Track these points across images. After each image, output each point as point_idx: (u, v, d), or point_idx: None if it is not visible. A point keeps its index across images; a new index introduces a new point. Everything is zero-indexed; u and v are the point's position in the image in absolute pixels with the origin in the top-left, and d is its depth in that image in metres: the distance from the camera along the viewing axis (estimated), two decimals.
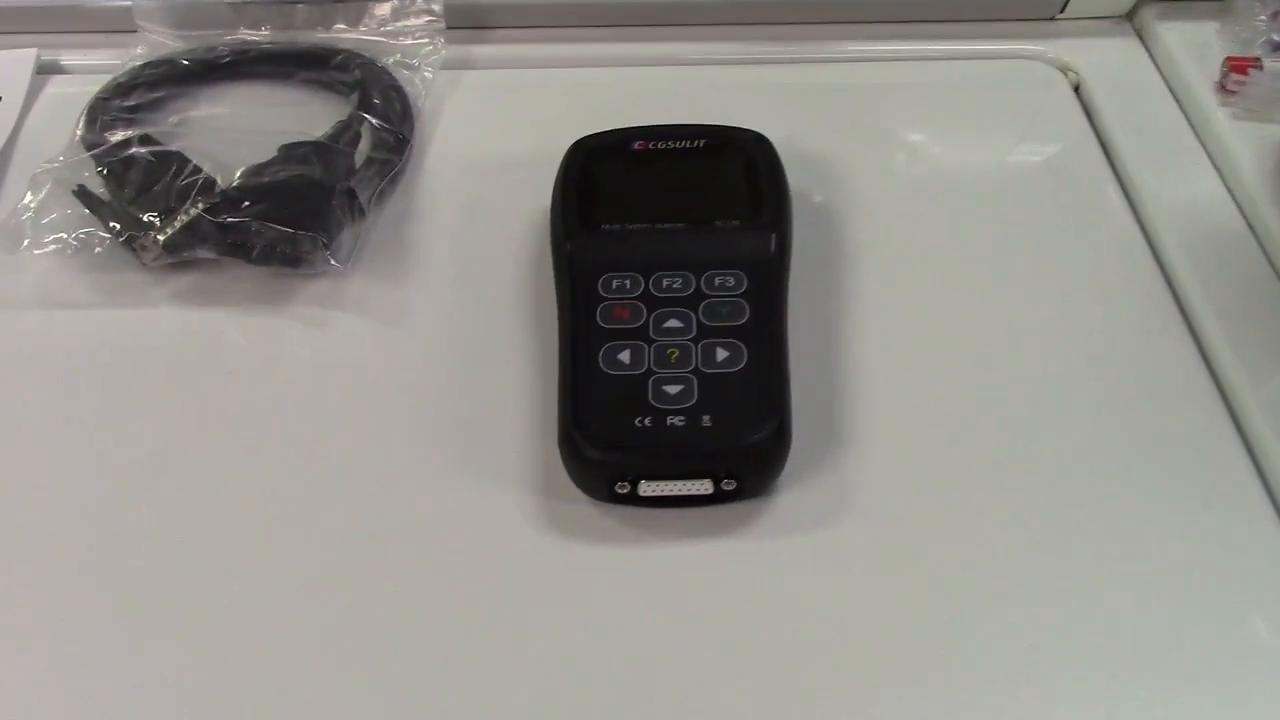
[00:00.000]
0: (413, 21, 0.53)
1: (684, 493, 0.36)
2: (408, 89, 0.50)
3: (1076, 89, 0.53)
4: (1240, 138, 0.48)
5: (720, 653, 0.34)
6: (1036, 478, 0.38)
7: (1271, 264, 0.44)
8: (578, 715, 0.33)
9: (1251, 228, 0.45)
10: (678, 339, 0.38)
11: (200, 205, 0.43)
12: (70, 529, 0.37)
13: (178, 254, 0.43)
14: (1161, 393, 0.40)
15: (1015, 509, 0.37)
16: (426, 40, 0.52)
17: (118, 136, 0.46)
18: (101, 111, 0.48)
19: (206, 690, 0.33)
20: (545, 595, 0.35)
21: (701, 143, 0.45)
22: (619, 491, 0.36)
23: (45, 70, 0.53)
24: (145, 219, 0.43)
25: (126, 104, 0.49)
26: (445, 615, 0.34)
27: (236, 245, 0.43)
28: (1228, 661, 0.33)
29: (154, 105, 0.50)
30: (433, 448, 0.38)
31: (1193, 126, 0.50)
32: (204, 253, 0.43)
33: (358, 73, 0.50)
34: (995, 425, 0.39)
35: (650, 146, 0.45)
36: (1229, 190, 0.47)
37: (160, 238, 0.42)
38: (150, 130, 0.47)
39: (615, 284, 0.39)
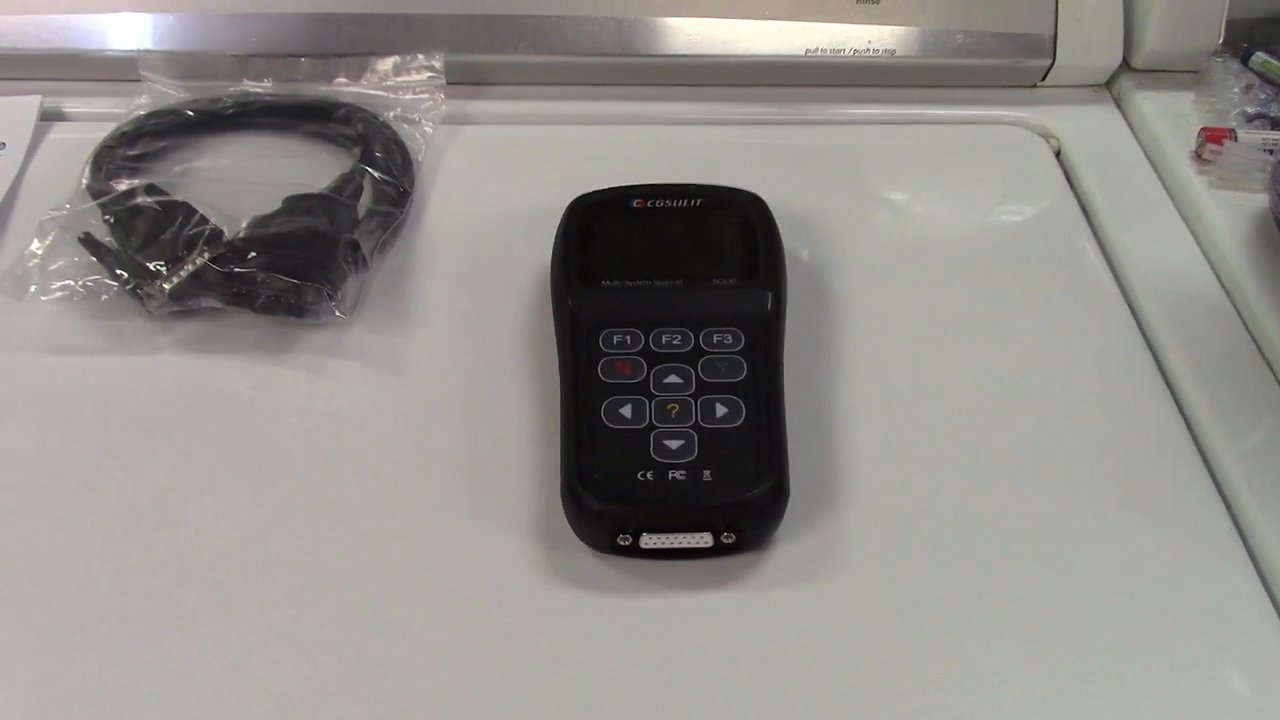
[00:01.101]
0: (414, 77, 0.54)
1: (684, 545, 0.36)
2: (408, 143, 0.51)
3: (1058, 154, 0.54)
4: (1216, 205, 0.49)
5: (719, 704, 0.34)
6: (1025, 532, 0.39)
7: (1246, 326, 0.46)
8: None
9: (1227, 291, 0.47)
10: (678, 394, 0.39)
11: (207, 255, 0.43)
12: (72, 575, 0.37)
13: (183, 302, 0.43)
14: (1142, 451, 0.42)
15: (1005, 562, 0.38)
16: (427, 95, 0.54)
17: (124, 185, 0.47)
18: (107, 160, 0.49)
19: None
20: (548, 644, 0.35)
21: (698, 202, 0.46)
22: (621, 543, 0.36)
23: (48, 117, 0.53)
24: (152, 267, 0.43)
25: (131, 153, 0.49)
26: (449, 665, 0.35)
27: (242, 294, 0.43)
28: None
29: (158, 155, 0.50)
30: (435, 497, 0.39)
31: (1169, 193, 0.52)
32: (209, 301, 0.44)
33: (360, 126, 0.51)
34: (982, 481, 0.40)
35: (648, 205, 0.46)
36: (1205, 255, 0.49)
37: (166, 286, 0.43)
38: (155, 180, 0.48)
39: (616, 339, 0.40)
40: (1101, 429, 0.42)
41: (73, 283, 0.44)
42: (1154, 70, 0.56)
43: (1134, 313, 0.46)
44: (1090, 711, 0.34)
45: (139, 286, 0.43)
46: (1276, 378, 0.44)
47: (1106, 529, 0.39)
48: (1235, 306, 0.47)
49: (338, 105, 0.52)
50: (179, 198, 0.47)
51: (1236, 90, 0.53)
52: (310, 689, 0.34)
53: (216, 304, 0.44)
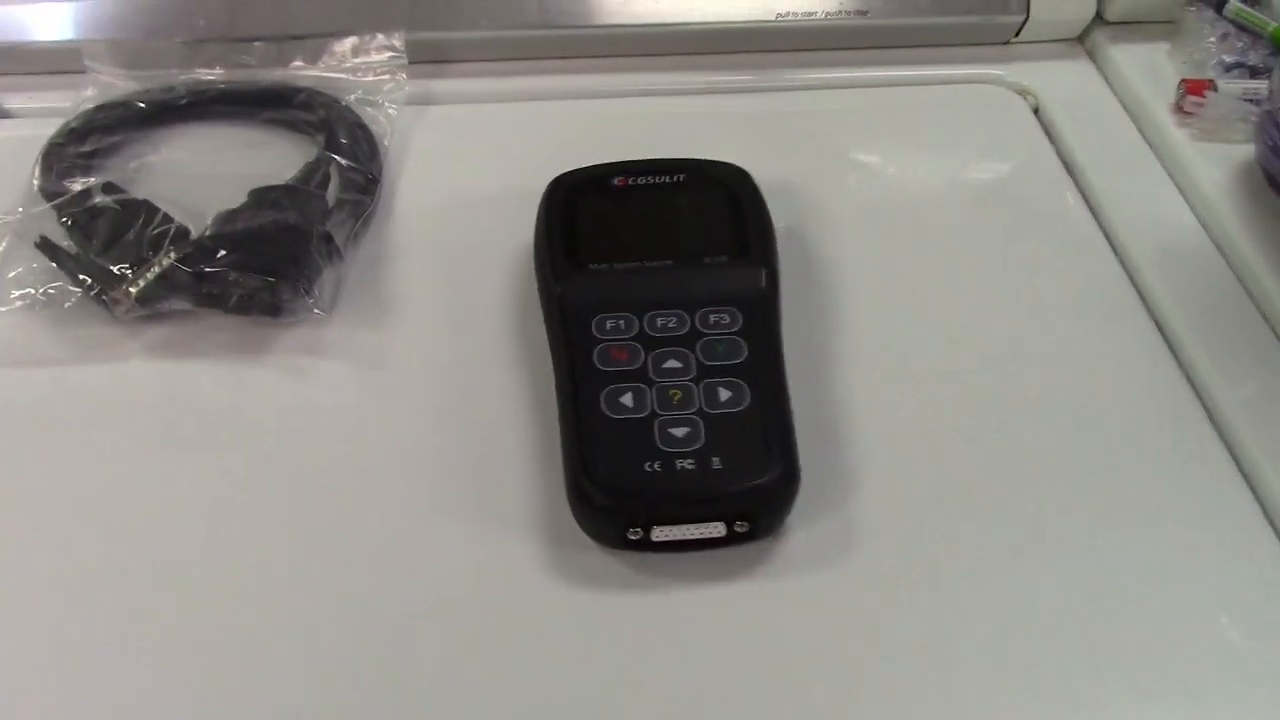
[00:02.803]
0: (374, 57, 0.52)
1: (697, 536, 0.35)
2: (372, 127, 0.50)
3: (1035, 111, 0.53)
4: (1200, 157, 0.49)
5: (741, 696, 0.33)
6: (1036, 497, 0.38)
7: (1238, 276, 0.45)
8: None
9: (1216, 243, 0.47)
10: (679, 380, 0.37)
11: (173, 255, 0.41)
12: (43, 596, 0.35)
13: (152, 306, 0.41)
14: (1147, 407, 0.41)
15: (1020, 531, 0.37)
16: (389, 76, 0.52)
17: (78, 185, 0.45)
18: (57, 158, 0.47)
19: None
20: (565, 647, 0.34)
21: (681, 177, 0.44)
22: (631, 538, 0.35)
23: None
24: (116, 271, 0.41)
25: (83, 150, 0.47)
26: (462, 676, 0.34)
27: (213, 295, 0.41)
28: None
29: (111, 150, 0.48)
30: (432, 500, 0.38)
31: (1152, 146, 0.51)
32: (179, 304, 0.42)
33: (321, 111, 0.49)
34: (990, 449, 0.40)
35: (630, 182, 0.44)
36: (1192, 207, 0.48)
37: (133, 290, 0.41)
38: (110, 177, 0.46)
39: (610, 325, 0.39)
40: (1105, 386, 0.42)
41: (32, 291, 0.42)
42: (1128, 22, 0.56)
43: (1125, 269, 0.46)
44: (1123, 693, 0.34)
45: (103, 291, 0.41)
46: (1270, 325, 0.43)
47: (1120, 488, 0.39)
48: (1225, 257, 0.46)
49: (296, 90, 0.50)
50: (138, 195, 0.45)
51: (1213, 40, 0.52)
52: (314, 704, 0.33)
53: (186, 306, 0.42)
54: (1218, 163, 0.49)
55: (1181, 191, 0.49)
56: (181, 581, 0.36)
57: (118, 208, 0.44)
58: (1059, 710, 0.33)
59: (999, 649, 0.34)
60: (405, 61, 0.52)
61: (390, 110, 0.51)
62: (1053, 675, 0.34)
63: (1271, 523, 0.38)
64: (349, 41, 0.52)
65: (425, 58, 0.53)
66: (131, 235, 0.42)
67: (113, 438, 0.39)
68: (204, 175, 0.46)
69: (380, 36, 0.52)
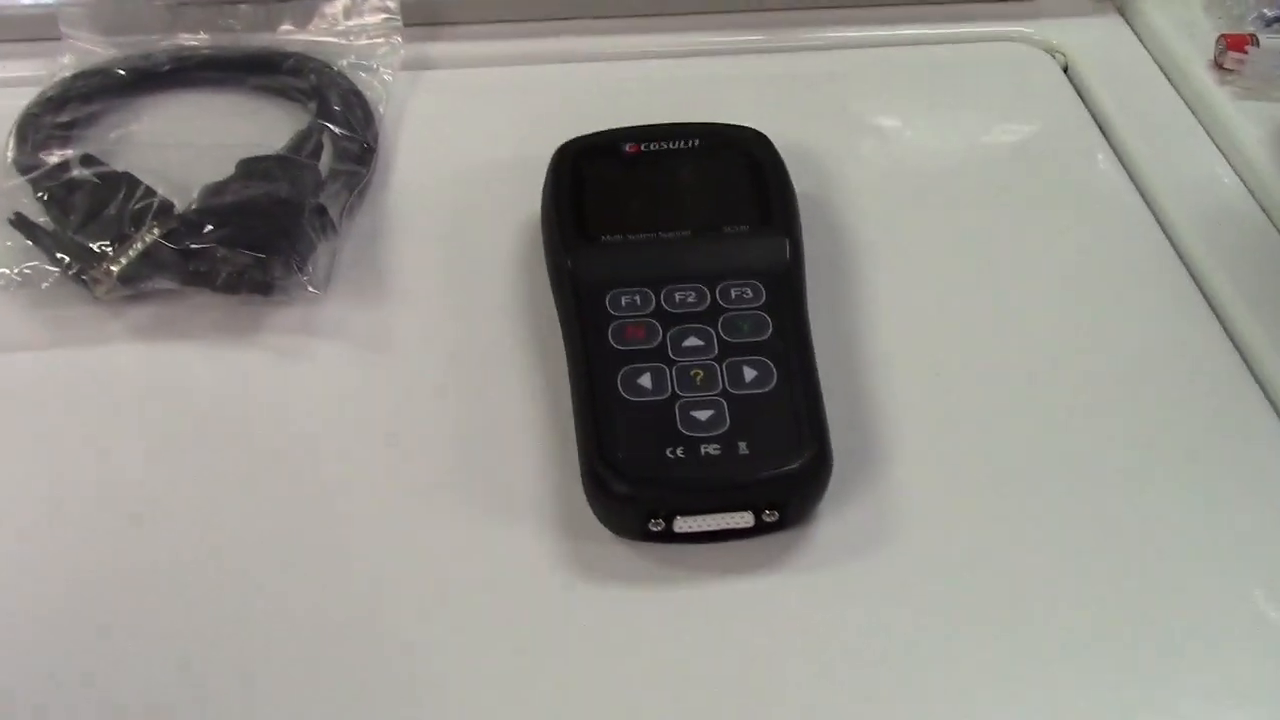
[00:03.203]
0: (367, 20, 0.49)
1: (723, 527, 0.33)
2: (366, 93, 0.47)
3: (1065, 70, 0.51)
4: (1244, 116, 0.46)
5: (770, 695, 0.31)
6: (1081, 471, 0.36)
7: None
8: None
9: (1261, 204, 0.44)
10: (700, 359, 0.35)
11: (157, 231, 0.39)
12: (25, 589, 0.33)
13: (135, 285, 0.39)
14: (1193, 373, 0.39)
15: (1065, 507, 0.35)
16: (383, 40, 0.49)
17: (55, 157, 0.42)
18: (32, 129, 0.44)
19: None
20: (579, 644, 0.32)
21: (696, 142, 0.42)
22: (653, 529, 0.33)
23: None
24: (96, 248, 0.39)
25: (60, 120, 0.44)
26: (476, 674, 0.31)
27: (200, 273, 0.39)
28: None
29: (90, 120, 0.46)
30: (437, 489, 0.35)
31: (1188, 105, 0.49)
32: (164, 283, 0.39)
33: (312, 77, 0.46)
34: (1030, 421, 0.37)
35: (643, 148, 0.42)
36: (1234, 168, 0.46)
37: (114, 268, 0.38)
38: (89, 149, 0.43)
39: (625, 300, 0.36)
40: (1147, 351, 0.40)
41: (7, 270, 0.39)
42: None
43: (1166, 232, 0.43)
44: (1164, 686, 0.31)
45: (83, 270, 0.39)
46: None
47: (1169, 468, 0.36)
48: (1271, 219, 0.44)
49: (285, 55, 0.47)
50: (119, 168, 0.42)
51: None
52: (312, 700, 0.31)
53: (172, 285, 0.39)
54: (1261, 122, 0.46)
55: (1222, 152, 0.46)
56: (170, 573, 0.33)
57: (97, 181, 0.41)
58: (1108, 698, 0.31)
59: (1043, 638, 0.32)
60: (400, 24, 0.49)
61: (385, 75, 0.48)
62: (1100, 666, 0.32)
63: None
64: (340, 3, 0.49)
65: (421, 19, 0.50)
66: (112, 210, 0.40)
67: (95, 424, 0.37)
68: (188, 146, 0.44)
69: None
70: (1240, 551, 0.34)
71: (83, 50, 0.48)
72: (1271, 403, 0.38)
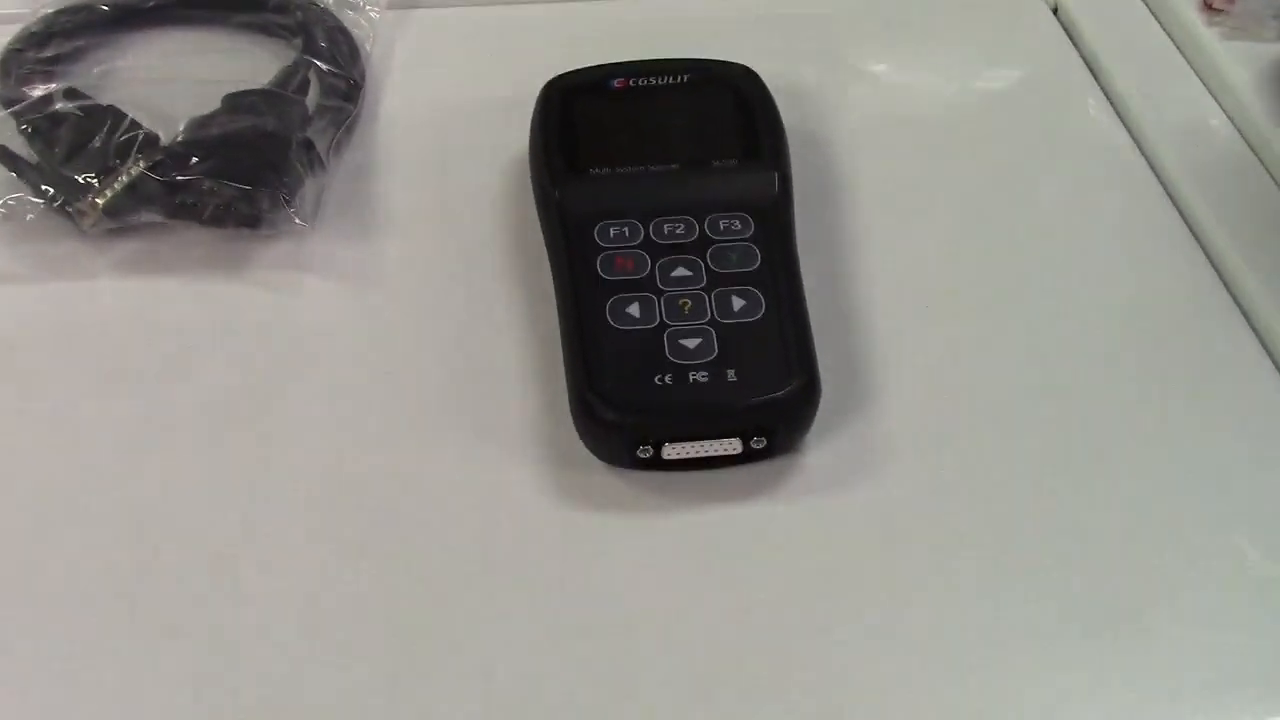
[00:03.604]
0: None
1: (711, 453, 0.33)
2: (353, 31, 0.46)
3: (1055, 11, 0.51)
4: (1232, 57, 0.46)
5: (758, 622, 0.31)
6: (1070, 410, 0.36)
7: (1274, 178, 0.43)
8: (614, 693, 0.30)
9: (1251, 146, 0.44)
10: (689, 289, 0.35)
11: (143, 163, 0.39)
12: (15, 533, 0.33)
13: (120, 218, 0.39)
14: (1183, 316, 0.39)
15: (1054, 446, 0.35)
16: None
17: (39, 91, 0.42)
18: (15, 64, 0.43)
19: (204, 688, 0.30)
20: (572, 571, 0.32)
21: (685, 78, 0.42)
22: (641, 456, 0.33)
23: None
24: (81, 181, 0.38)
25: (43, 55, 0.44)
26: (461, 603, 0.31)
27: (186, 206, 0.39)
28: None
29: (74, 56, 0.45)
30: (428, 421, 0.35)
31: (1177, 46, 0.48)
32: (150, 216, 0.39)
33: (298, 14, 0.46)
34: (1020, 359, 0.37)
35: (631, 84, 0.41)
36: (1224, 110, 0.46)
37: (100, 201, 0.38)
38: (74, 84, 0.43)
39: (613, 232, 0.36)
40: (1137, 291, 0.40)
41: None
42: None
43: (1156, 174, 0.43)
44: (1151, 623, 0.32)
45: (68, 203, 0.38)
46: None
47: (1156, 404, 0.36)
48: (1262, 161, 0.44)
49: None
50: (105, 102, 0.41)
51: None
52: (309, 635, 0.31)
53: (158, 218, 0.39)
54: (1249, 62, 0.46)
55: (1211, 92, 0.46)
56: (158, 516, 0.33)
57: (81, 114, 0.40)
58: (1089, 640, 0.31)
59: (1029, 568, 0.32)
60: None
61: (372, 13, 0.47)
62: (1087, 600, 0.32)
63: None
64: None
65: None
66: (97, 143, 0.39)
67: (81, 361, 0.37)
68: (174, 80, 0.43)
69: None
70: (1228, 489, 0.34)
71: None
72: (1262, 341, 0.38)
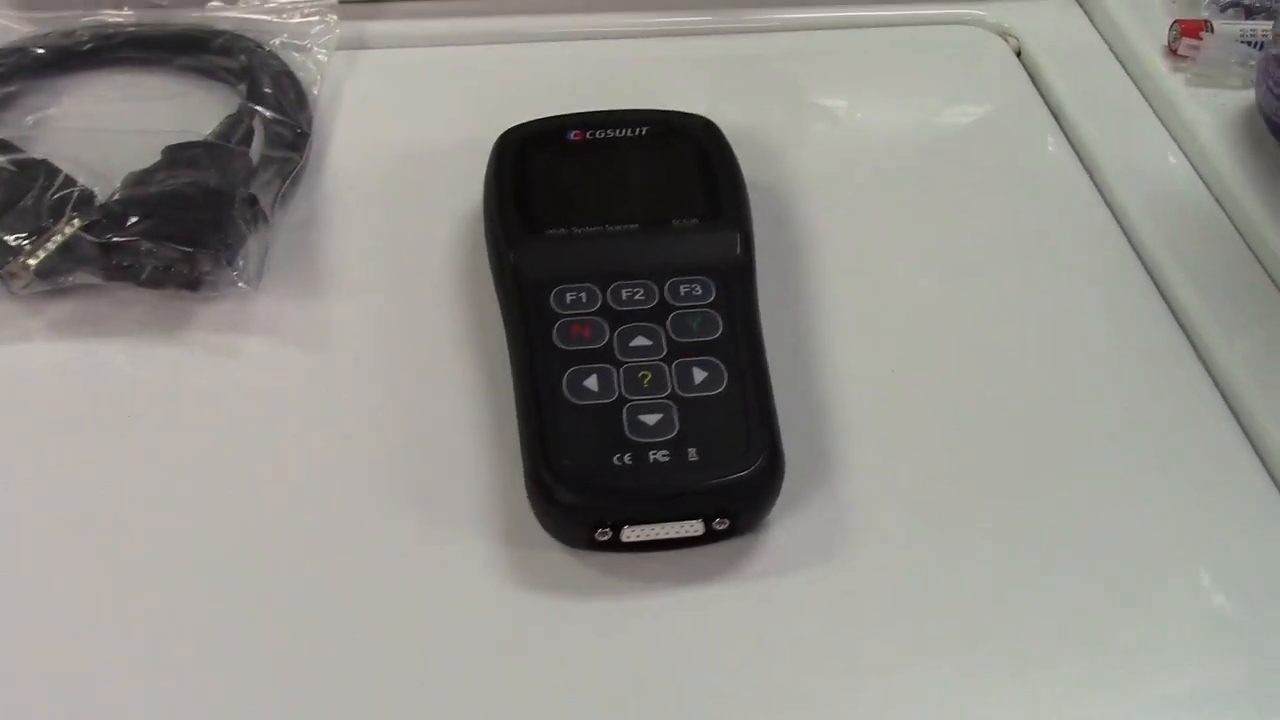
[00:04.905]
0: None
1: (672, 535, 0.32)
2: (299, 74, 0.45)
3: (1018, 54, 0.50)
4: (1196, 104, 0.46)
5: (721, 707, 0.30)
6: (1035, 475, 0.35)
7: (1236, 227, 0.43)
8: None
9: (1213, 193, 0.44)
10: (649, 359, 0.34)
11: (78, 223, 0.37)
12: None
13: (54, 280, 0.37)
14: (1143, 365, 0.38)
15: (1009, 516, 0.34)
16: (317, 17, 0.47)
17: None
18: None
19: None
20: (523, 656, 0.31)
21: (644, 130, 0.40)
22: (599, 538, 0.32)
23: None
24: (12, 241, 0.37)
25: None
26: (410, 687, 0.30)
27: (123, 267, 0.37)
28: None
29: (5, 102, 0.43)
30: (375, 493, 0.34)
31: (1141, 91, 0.48)
32: (85, 277, 0.37)
33: (243, 57, 0.44)
34: (983, 424, 0.36)
35: (589, 136, 0.40)
36: (1188, 156, 0.45)
37: (31, 263, 0.36)
38: (6, 134, 0.41)
39: (570, 297, 0.35)
40: (1100, 346, 0.39)
41: None
42: None
43: (1118, 220, 0.43)
44: (1122, 689, 0.31)
45: None
46: (1270, 275, 0.41)
47: (1124, 464, 0.36)
48: (1223, 208, 0.43)
49: (215, 34, 0.45)
50: (36, 154, 0.40)
51: None
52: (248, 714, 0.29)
53: (93, 279, 0.37)
54: (1214, 109, 0.46)
55: (1176, 140, 0.46)
56: (92, 588, 0.31)
57: (13, 169, 0.39)
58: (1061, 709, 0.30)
59: (995, 647, 0.31)
60: (336, 1, 0.47)
61: (320, 55, 0.46)
62: (1053, 676, 0.31)
63: (1272, 476, 0.35)
64: None
65: None
66: (29, 200, 0.38)
67: (13, 426, 0.35)
68: (111, 131, 0.42)
69: None
70: (1189, 541, 0.34)
71: None
72: (1220, 389, 0.38)
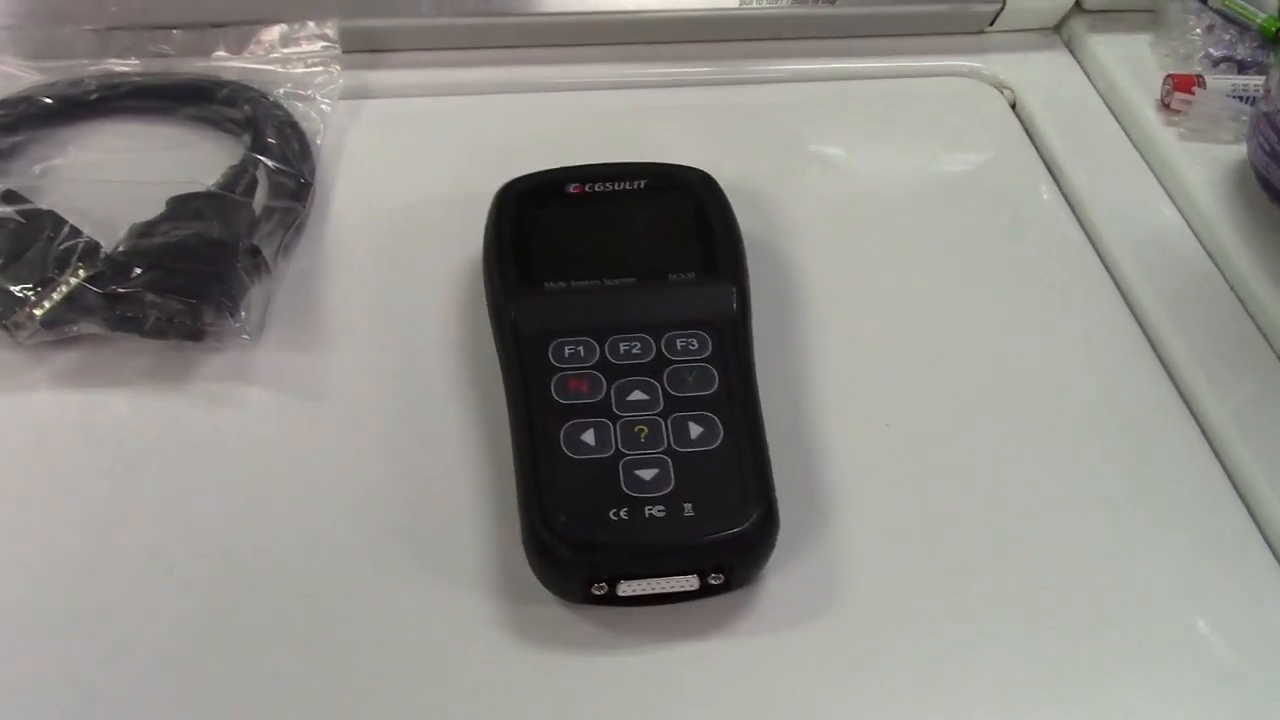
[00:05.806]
0: (304, 47, 0.48)
1: (668, 590, 0.32)
2: (303, 124, 0.46)
3: (1013, 106, 0.51)
4: (1190, 158, 0.46)
5: None
6: (1030, 527, 0.36)
7: (1227, 281, 0.43)
8: None
9: (1206, 248, 0.44)
10: (645, 414, 0.34)
11: (82, 274, 0.37)
12: None
13: (58, 330, 0.37)
14: (1134, 416, 0.39)
15: (1005, 570, 0.34)
16: (321, 68, 0.48)
17: None
18: None
19: None
20: (524, 712, 0.31)
21: (643, 184, 0.41)
22: (595, 593, 0.32)
23: None
24: (17, 292, 0.37)
25: None
26: None
27: (127, 318, 0.37)
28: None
29: (12, 152, 0.44)
30: (374, 546, 0.34)
31: (1136, 146, 0.49)
32: (89, 327, 0.38)
33: (247, 108, 0.45)
34: (977, 474, 0.37)
35: (587, 189, 0.41)
36: (1180, 210, 0.46)
37: (37, 313, 0.37)
38: (11, 183, 0.42)
39: (568, 351, 0.36)
40: (1091, 396, 0.39)
41: None
42: (1107, 11, 0.53)
43: (1110, 272, 0.43)
44: None
45: (3, 315, 0.37)
46: (1262, 331, 0.41)
47: (1106, 503, 0.36)
48: (1215, 262, 0.44)
49: (220, 84, 0.46)
50: (42, 205, 0.40)
51: (1198, 31, 0.49)
52: None
53: (97, 330, 0.38)
54: (1206, 163, 0.46)
55: (1168, 193, 0.46)
56: (91, 636, 0.32)
57: (19, 219, 0.39)
58: None
59: (992, 701, 0.32)
60: (339, 51, 0.48)
61: (323, 105, 0.47)
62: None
63: (1260, 528, 0.36)
64: (276, 30, 0.48)
65: (361, 47, 0.49)
66: (34, 251, 0.38)
67: (16, 475, 0.35)
68: (117, 181, 0.42)
69: (311, 24, 0.48)
70: (1176, 587, 0.34)
71: (5, 76, 0.46)
72: (1209, 441, 0.38)
